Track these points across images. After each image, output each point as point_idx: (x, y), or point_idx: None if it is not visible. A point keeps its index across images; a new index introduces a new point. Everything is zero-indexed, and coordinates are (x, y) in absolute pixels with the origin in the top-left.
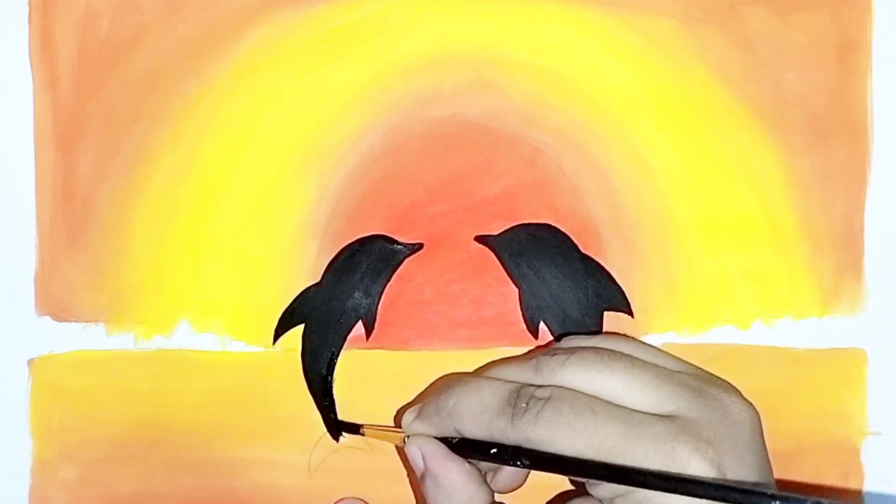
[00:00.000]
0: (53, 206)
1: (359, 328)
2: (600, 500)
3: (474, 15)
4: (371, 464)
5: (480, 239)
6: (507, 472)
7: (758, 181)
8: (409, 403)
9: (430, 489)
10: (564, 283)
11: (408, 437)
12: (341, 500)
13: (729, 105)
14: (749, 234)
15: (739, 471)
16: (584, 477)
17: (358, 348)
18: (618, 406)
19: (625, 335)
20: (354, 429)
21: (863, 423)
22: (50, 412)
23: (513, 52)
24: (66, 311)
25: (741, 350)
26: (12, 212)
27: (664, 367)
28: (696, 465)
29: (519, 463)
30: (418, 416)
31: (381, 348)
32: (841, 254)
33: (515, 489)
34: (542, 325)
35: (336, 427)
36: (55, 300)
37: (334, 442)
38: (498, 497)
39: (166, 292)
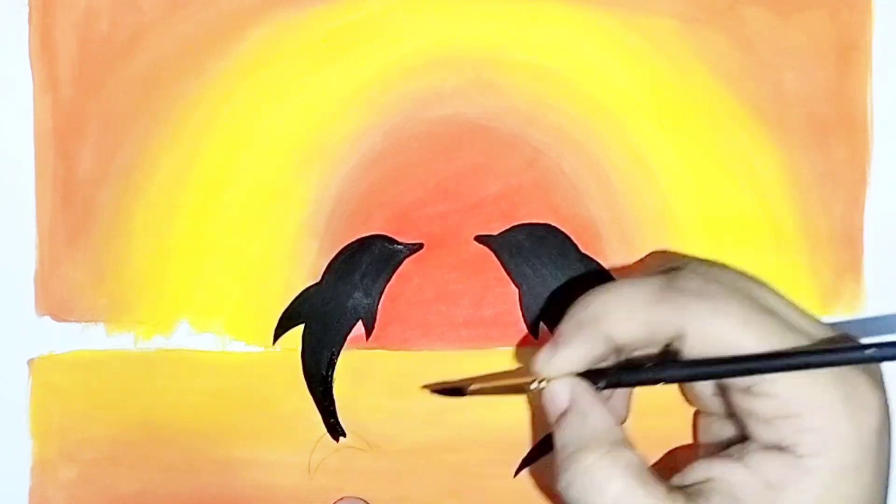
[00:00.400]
0: (53, 206)
1: (359, 328)
2: (754, 432)
3: (474, 15)
4: (371, 464)
5: (480, 239)
6: (612, 408)
7: (758, 181)
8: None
9: (573, 425)
10: (564, 283)
11: (542, 380)
12: (341, 499)
13: (729, 105)
14: (749, 234)
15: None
16: (757, 373)
17: (358, 348)
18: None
19: None
20: (457, 392)
21: None
22: (50, 412)
23: (513, 52)
24: (66, 311)
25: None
26: (12, 212)
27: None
28: (874, 397)
29: (688, 374)
30: (555, 345)
31: (381, 348)
32: (840, 254)
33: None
34: (542, 325)
35: (336, 428)
36: (55, 300)
37: (334, 442)
38: None
39: (166, 292)
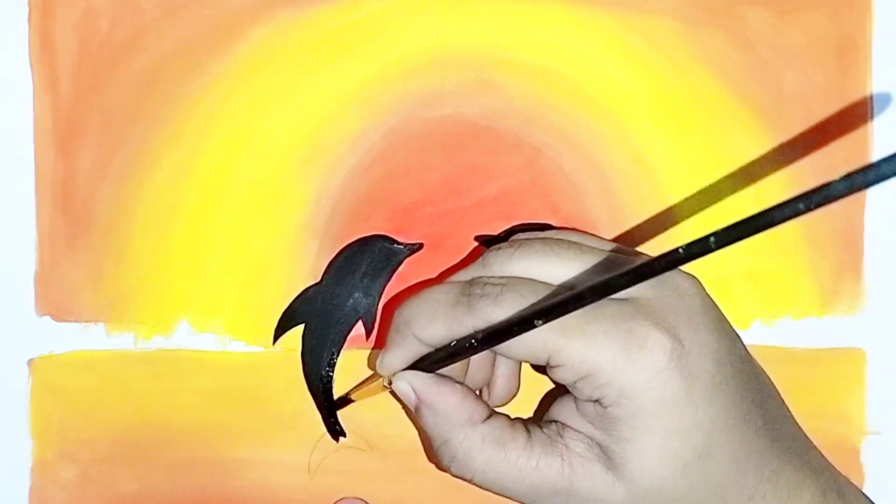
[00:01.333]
0: (53, 206)
1: (359, 328)
2: (573, 395)
3: (474, 15)
4: (371, 464)
5: (480, 239)
6: (500, 384)
7: (758, 181)
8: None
9: (428, 418)
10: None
11: (390, 379)
12: (341, 499)
13: (729, 105)
14: None
15: (695, 338)
16: (529, 328)
17: (358, 348)
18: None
19: (573, 228)
20: (346, 402)
21: (862, 423)
22: (50, 412)
23: (513, 52)
24: (66, 311)
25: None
26: (12, 212)
27: (612, 252)
28: (654, 338)
29: (475, 342)
30: (384, 350)
31: (381, 348)
32: (840, 254)
33: (510, 400)
34: None
35: (336, 428)
36: (55, 300)
37: (334, 442)
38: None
39: (166, 292)
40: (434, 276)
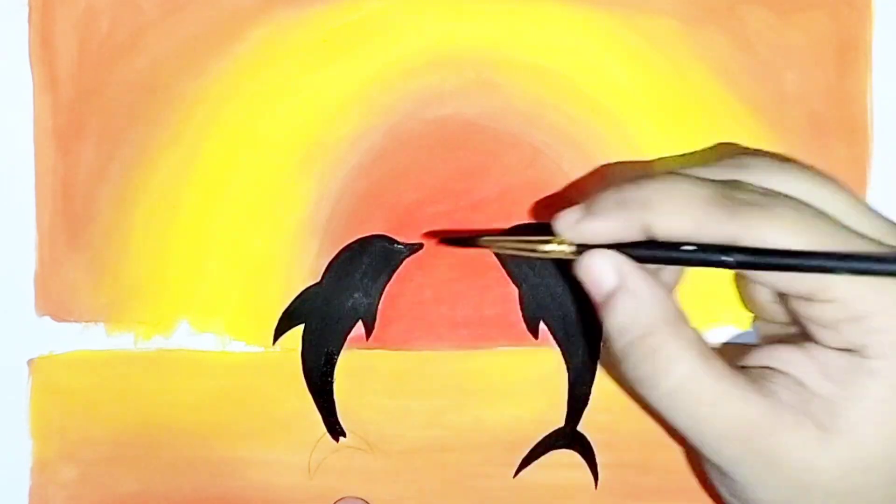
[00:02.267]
0: (53, 206)
1: (359, 328)
2: (814, 339)
3: (474, 15)
4: (371, 464)
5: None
6: (662, 278)
7: None
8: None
9: (627, 306)
10: (564, 283)
11: (577, 247)
12: (341, 499)
13: (729, 105)
14: None
15: None
16: (819, 271)
17: (358, 348)
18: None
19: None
20: (474, 244)
21: None
22: (50, 412)
23: (513, 52)
24: (66, 311)
25: (741, 350)
26: (12, 212)
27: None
28: None
29: (731, 259)
30: (589, 212)
31: (381, 348)
32: None
33: None
34: (541, 325)
35: (336, 428)
36: (55, 300)
37: (334, 442)
38: None
39: (166, 292)
40: (434, 276)
